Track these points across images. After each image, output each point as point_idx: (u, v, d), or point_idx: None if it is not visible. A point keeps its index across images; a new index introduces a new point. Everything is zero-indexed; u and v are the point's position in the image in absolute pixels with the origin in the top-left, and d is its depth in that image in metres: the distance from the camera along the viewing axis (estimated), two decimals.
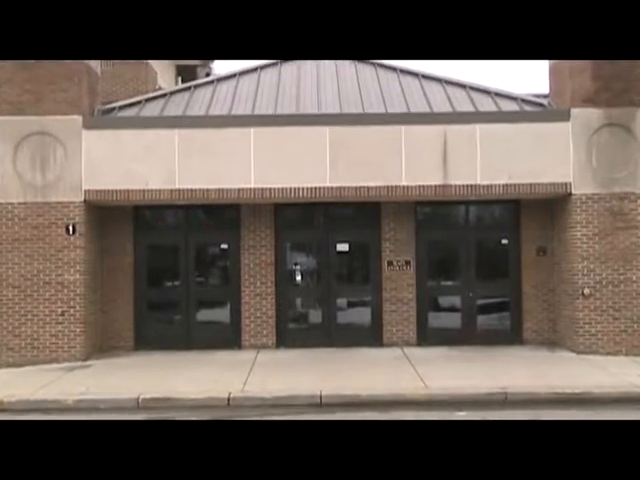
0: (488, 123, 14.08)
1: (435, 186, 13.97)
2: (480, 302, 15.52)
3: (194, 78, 21.85)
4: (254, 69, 16.88)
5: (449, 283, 15.81)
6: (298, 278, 15.69)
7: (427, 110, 14.74)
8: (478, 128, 14.00)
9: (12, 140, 13.83)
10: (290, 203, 15.04)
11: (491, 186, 13.96)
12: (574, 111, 13.97)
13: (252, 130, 13.97)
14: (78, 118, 13.91)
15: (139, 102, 15.47)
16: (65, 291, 13.86)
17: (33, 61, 13.23)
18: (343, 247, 15.61)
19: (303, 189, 13.93)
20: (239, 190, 13.95)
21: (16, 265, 13.84)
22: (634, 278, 13.93)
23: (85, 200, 13.95)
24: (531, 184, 13.93)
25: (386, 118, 14.28)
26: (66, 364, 13.59)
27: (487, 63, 47.78)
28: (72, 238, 13.89)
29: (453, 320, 15.53)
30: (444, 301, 15.75)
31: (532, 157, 13.87)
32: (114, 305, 15.22)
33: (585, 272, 13.96)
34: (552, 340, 15.13)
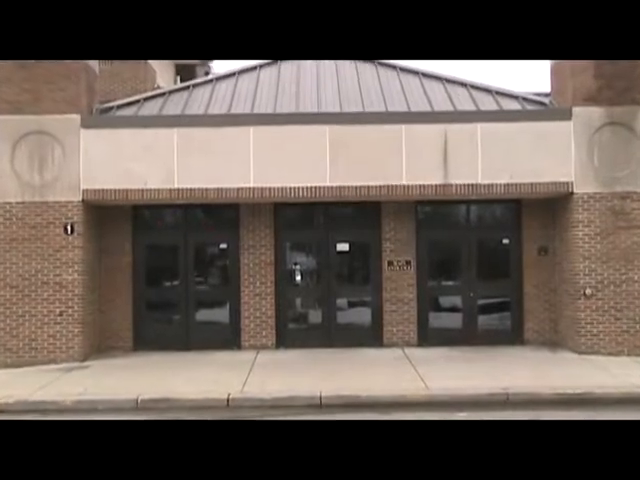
0: (489, 122, 14.02)
1: (436, 185, 13.89)
2: (481, 302, 15.45)
3: (193, 77, 21.83)
4: (253, 68, 16.83)
5: (450, 283, 15.74)
6: (298, 278, 15.63)
7: (428, 109, 14.69)
8: (479, 127, 13.93)
9: (10, 139, 13.76)
10: (290, 202, 14.96)
11: (492, 185, 13.89)
12: (576, 110, 13.90)
13: (251, 129, 13.89)
14: (76, 117, 13.84)
15: (138, 101, 15.43)
16: (63, 291, 13.79)
17: (31, 60, 13.14)
18: (343, 247, 15.54)
19: (303, 188, 13.86)
20: (238, 189, 13.88)
21: (14, 265, 13.77)
22: (636, 278, 13.85)
23: (83, 200, 13.88)
24: (532, 183, 13.86)
25: (386, 117, 14.21)
26: (64, 365, 13.52)
27: (488, 62, 47.74)
28: (70, 238, 13.82)
29: (454, 320, 15.47)
30: (445, 301, 15.68)
31: (533, 156, 13.80)
32: (112, 305, 15.15)
33: (587, 272, 13.89)
34: (553, 340, 15.05)
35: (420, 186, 13.90)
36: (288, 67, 16.89)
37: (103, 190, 13.85)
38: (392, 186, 13.90)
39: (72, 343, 13.79)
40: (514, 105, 14.91)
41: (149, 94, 16.12)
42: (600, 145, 13.86)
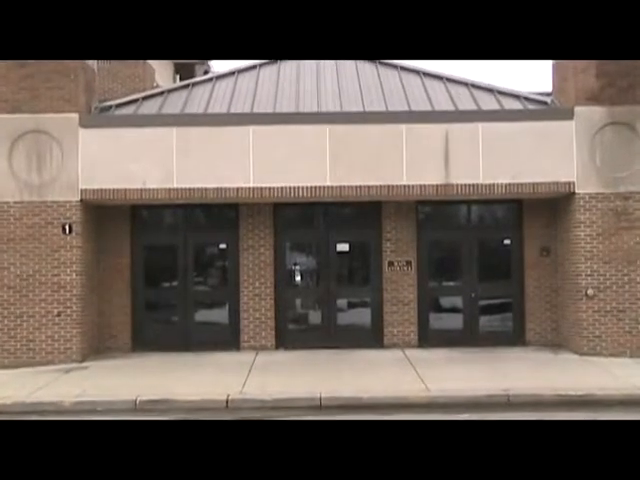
0: (490, 121, 13.96)
1: (437, 185, 13.83)
2: (482, 303, 15.38)
3: (192, 76, 21.76)
4: (253, 67, 16.75)
5: (451, 284, 15.66)
6: (298, 278, 15.57)
7: (429, 108, 14.62)
8: (480, 126, 13.87)
9: (8, 138, 13.69)
10: (289, 202, 14.89)
11: (493, 185, 13.82)
12: (577, 109, 13.82)
13: (251, 128, 13.83)
14: (75, 116, 13.77)
15: (136, 100, 15.37)
16: (61, 292, 13.71)
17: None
18: (343, 247, 15.48)
19: (303, 188, 13.80)
20: (238, 189, 13.81)
21: (12, 265, 13.69)
22: (638, 279, 13.78)
23: (82, 199, 13.81)
24: (534, 183, 13.79)
25: (387, 116, 14.15)
26: (62, 366, 13.44)
27: (490, 62, 47.73)
28: (68, 238, 13.75)
29: (455, 321, 15.39)
30: (445, 302, 15.61)
31: (535, 156, 13.74)
32: (111, 306, 15.08)
33: (588, 272, 13.82)
34: (555, 341, 14.98)
35: (421, 186, 13.84)
36: (288, 66, 16.81)
37: (102, 190, 13.78)
38: (392, 186, 13.83)
39: (70, 344, 13.72)
40: (516, 105, 14.83)
41: (148, 93, 16.06)
42: (602, 145, 13.78)
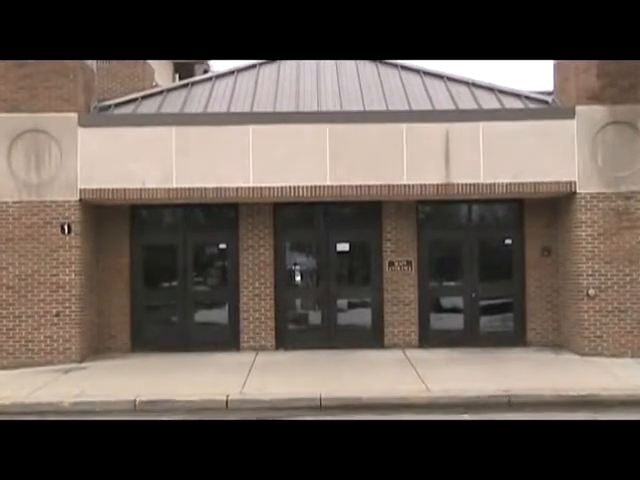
0: (491, 121, 13.90)
1: (437, 185, 13.77)
2: (483, 303, 15.32)
3: (192, 75, 21.73)
4: (253, 66, 16.69)
5: (451, 284, 15.61)
6: (298, 278, 15.51)
7: (429, 107, 14.56)
8: (481, 126, 13.81)
9: (6, 138, 13.64)
10: (289, 202, 14.83)
11: (494, 185, 13.77)
12: (579, 108, 13.76)
13: (251, 128, 13.77)
14: (73, 115, 13.71)
15: (136, 99, 15.31)
16: (60, 291, 13.65)
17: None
18: (343, 247, 15.42)
19: (303, 188, 13.74)
20: (237, 189, 13.75)
21: (10, 265, 13.64)
22: None
23: (81, 199, 13.75)
24: (535, 183, 13.74)
25: (387, 116, 14.09)
26: (61, 366, 13.39)
27: (491, 61, 47.69)
28: (67, 238, 13.69)
29: (455, 321, 15.34)
30: (446, 302, 15.55)
31: (536, 155, 13.68)
32: (110, 306, 15.03)
33: (590, 272, 13.76)
34: (556, 342, 14.92)
35: (421, 185, 13.78)
36: (288, 65, 16.76)
37: (101, 189, 13.72)
38: (393, 185, 13.78)
39: (69, 344, 13.66)
40: (516, 104, 14.78)
41: (147, 92, 16.00)
42: (604, 144, 13.73)
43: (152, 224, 15.63)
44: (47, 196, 13.67)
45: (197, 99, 15.18)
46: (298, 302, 15.65)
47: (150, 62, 18.78)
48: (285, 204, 15.04)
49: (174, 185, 13.71)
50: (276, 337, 15.12)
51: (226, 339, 15.09)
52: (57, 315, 13.62)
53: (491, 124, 13.84)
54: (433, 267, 15.42)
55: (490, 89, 15.41)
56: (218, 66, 26.98)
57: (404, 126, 13.80)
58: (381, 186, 13.76)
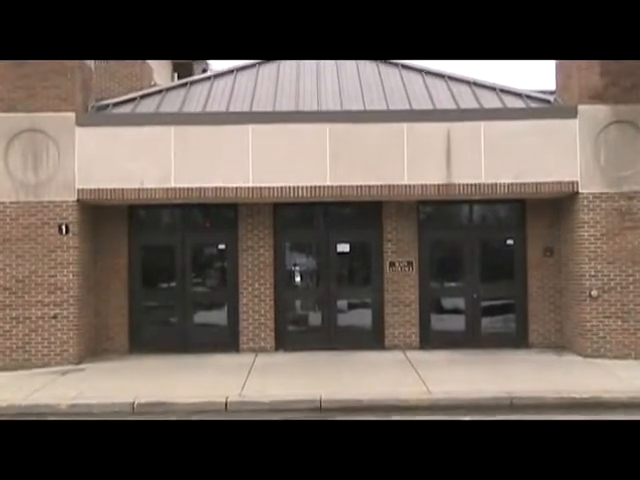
0: (493, 120, 13.81)
1: (438, 185, 13.68)
2: (484, 304, 15.22)
3: (190, 74, 21.62)
4: (252, 65, 16.59)
5: (453, 284, 15.50)
6: (297, 279, 15.42)
7: (430, 107, 14.46)
8: (483, 125, 13.73)
9: (3, 138, 13.55)
10: (289, 202, 14.74)
11: (496, 185, 13.68)
12: (581, 108, 13.67)
13: (250, 127, 13.68)
14: (71, 115, 13.62)
15: (134, 99, 15.20)
16: (58, 293, 13.56)
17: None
18: (344, 247, 15.33)
19: (303, 188, 13.65)
20: (237, 189, 13.66)
21: (7, 266, 13.55)
22: None
23: (78, 199, 13.66)
24: (537, 183, 13.64)
25: (388, 115, 14.00)
26: (59, 368, 13.30)
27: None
28: (65, 238, 13.60)
29: (457, 322, 15.23)
30: (447, 303, 15.45)
31: (538, 155, 13.60)
32: (108, 307, 14.93)
33: (592, 273, 13.67)
34: (559, 343, 14.83)
35: (422, 186, 13.69)
36: (288, 64, 16.67)
37: (99, 189, 13.63)
38: (394, 186, 13.69)
39: (67, 346, 13.57)
40: (518, 103, 14.68)
41: (146, 91, 15.88)
42: (606, 144, 13.64)
43: (150, 224, 15.52)
44: (44, 196, 13.58)
45: (196, 98, 15.08)
46: (298, 303, 15.55)
47: (149, 61, 18.72)
48: (285, 204, 14.95)
49: (173, 185, 13.61)
50: (276, 338, 15.03)
51: (225, 340, 14.99)
52: (55, 317, 13.52)
53: (493, 124, 13.75)
54: (434, 268, 15.33)
55: (492, 88, 15.31)
56: (217, 65, 26.93)
57: (405, 126, 13.71)
58: (382, 186, 13.67)
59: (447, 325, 15.26)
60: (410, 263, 15.03)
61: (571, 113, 13.72)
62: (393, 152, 13.64)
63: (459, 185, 13.66)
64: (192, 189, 13.62)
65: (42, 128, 13.53)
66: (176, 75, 24.07)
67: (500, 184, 13.65)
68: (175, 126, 13.70)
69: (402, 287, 15.01)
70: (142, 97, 15.27)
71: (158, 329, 15.22)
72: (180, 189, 13.62)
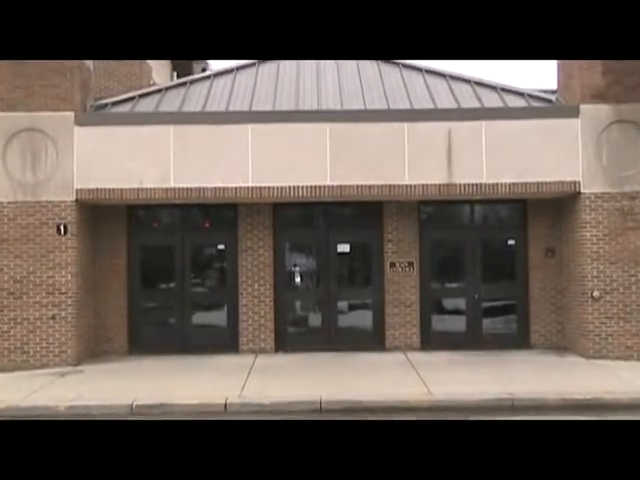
0: (494, 120, 13.74)
1: (439, 185, 13.62)
2: (486, 305, 15.15)
3: (190, 73, 21.51)
4: (252, 64, 16.51)
5: (454, 285, 15.43)
6: (297, 280, 15.35)
7: (431, 106, 14.38)
8: (484, 125, 13.66)
9: (2, 137, 13.49)
10: (289, 202, 14.67)
11: (497, 185, 13.61)
12: (583, 107, 13.60)
13: (250, 127, 13.61)
14: (70, 114, 13.55)
15: (133, 98, 15.13)
16: (56, 293, 13.49)
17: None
18: (344, 248, 15.27)
19: (303, 188, 13.58)
20: (236, 189, 13.60)
21: (5, 267, 13.48)
22: None
23: (77, 199, 13.59)
24: (538, 183, 13.58)
25: (388, 115, 13.93)
26: (57, 369, 13.23)
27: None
28: (63, 238, 13.53)
29: (458, 323, 15.17)
30: (448, 304, 15.38)
31: (540, 155, 13.53)
32: (107, 307, 14.86)
33: (594, 274, 13.59)
34: (560, 344, 14.76)
35: (423, 186, 13.62)
36: (288, 63, 16.60)
37: (97, 189, 13.56)
38: (394, 185, 13.62)
39: (65, 347, 13.50)
40: (520, 102, 14.60)
41: (145, 91, 15.81)
42: (608, 143, 13.57)
43: (149, 224, 15.45)
44: (43, 196, 13.51)
45: (195, 98, 15.02)
46: (298, 304, 15.49)
47: (148, 61, 18.63)
48: (285, 204, 14.88)
49: (172, 185, 13.55)
50: (276, 339, 14.96)
51: (225, 341, 14.93)
52: (53, 318, 13.46)
53: (494, 123, 13.68)
54: (435, 268, 15.26)
55: (493, 87, 15.24)
56: (216, 65, 26.84)
57: (405, 125, 13.64)
58: (382, 186, 13.61)
59: (448, 326, 15.19)
60: (411, 263, 14.96)
61: (573, 112, 13.65)
62: (394, 152, 13.58)
63: (460, 185, 13.60)
64: (191, 189, 13.55)
65: (41, 127, 13.47)
66: (175, 74, 23.99)
67: (501, 184, 13.59)
68: (174, 125, 13.63)
69: (403, 288, 14.94)
70: (141, 96, 15.20)
71: (157, 330, 15.15)
72: (179, 189, 13.56)
